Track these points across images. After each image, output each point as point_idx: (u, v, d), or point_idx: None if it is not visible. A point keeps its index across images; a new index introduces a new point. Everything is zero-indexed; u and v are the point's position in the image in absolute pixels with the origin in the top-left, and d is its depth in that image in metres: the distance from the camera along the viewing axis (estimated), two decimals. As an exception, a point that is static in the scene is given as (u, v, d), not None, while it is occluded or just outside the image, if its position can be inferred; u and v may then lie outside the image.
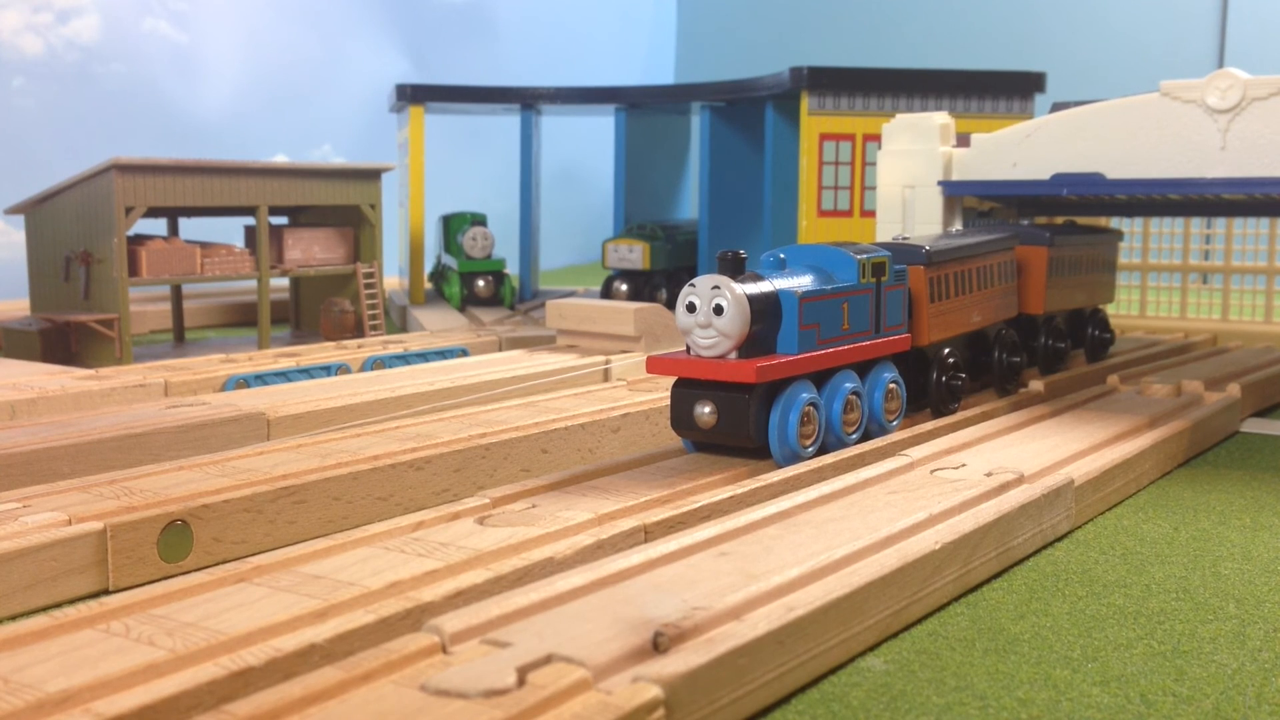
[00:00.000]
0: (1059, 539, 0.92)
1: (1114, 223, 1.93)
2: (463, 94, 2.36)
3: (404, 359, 1.57)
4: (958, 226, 1.46)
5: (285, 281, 2.16)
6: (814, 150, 1.97)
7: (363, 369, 1.52)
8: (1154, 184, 1.30)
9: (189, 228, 1.93)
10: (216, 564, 0.78)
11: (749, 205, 2.25)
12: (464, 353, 1.65)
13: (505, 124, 2.65)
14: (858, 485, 0.89)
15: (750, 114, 2.22)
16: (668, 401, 1.02)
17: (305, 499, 0.90)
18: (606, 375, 1.47)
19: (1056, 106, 1.46)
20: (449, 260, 2.28)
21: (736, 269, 0.98)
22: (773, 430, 0.97)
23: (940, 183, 1.45)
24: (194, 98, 2.93)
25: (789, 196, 2.06)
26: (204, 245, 1.78)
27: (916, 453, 0.99)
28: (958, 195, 1.46)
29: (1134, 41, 3.28)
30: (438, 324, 1.96)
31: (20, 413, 1.17)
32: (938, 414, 1.19)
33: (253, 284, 2.10)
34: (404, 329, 2.21)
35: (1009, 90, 2.00)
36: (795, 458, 0.98)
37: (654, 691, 0.54)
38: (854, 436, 1.05)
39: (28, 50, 2.64)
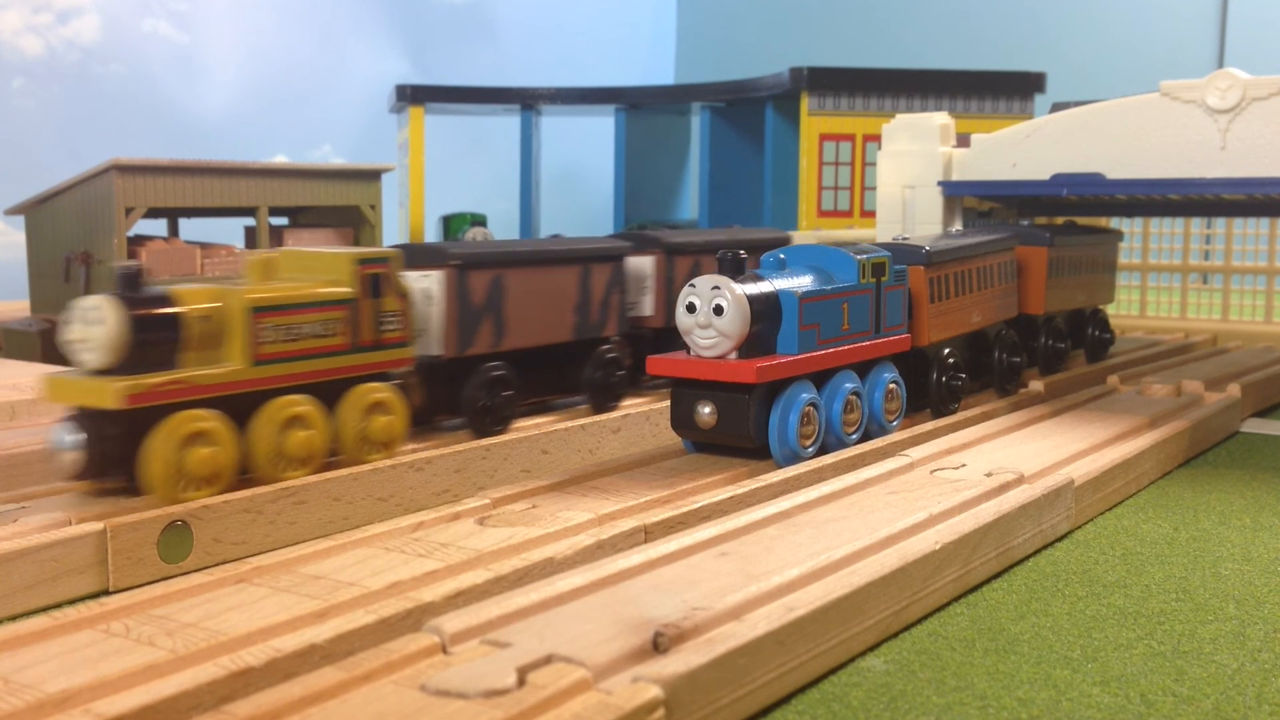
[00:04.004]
0: (1059, 539, 0.92)
1: (1114, 223, 1.93)
2: (463, 94, 2.36)
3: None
4: (958, 227, 1.46)
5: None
6: (814, 150, 1.97)
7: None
8: (1154, 184, 1.30)
9: (189, 228, 1.93)
10: (216, 564, 0.78)
11: (749, 205, 2.25)
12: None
13: (505, 124, 2.65)
14: (858, 485, 0.89)
15: (750, 114, 2.22)
16: (668, 401, 1.02)
17: (305, 499, 0.90)
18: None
19: (1056, 106, 1.46)
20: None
21: (736, 269, 0.98)
22: (773, 430, 0.97)
23: (940, 183, 1.45)
24: (194, 98, 2.93)
25: (789, 197, 2.06)
26: (204, 246, 1.78)
27: (916, 453, 0.99)
28: (958, 195, 1.46)
29: (1134, 42, 3.28)
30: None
31: (20, 413, 1.17)
32: (938, 414, 1.19)
33: (253, 284, 2.09)
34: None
35: (1009, 90, 2.00)
36: (795, 458, 0.98)
37: (654, 691, 0.54)
38: (854, 437, 1.05)
39: (28, 51, 2.64)
